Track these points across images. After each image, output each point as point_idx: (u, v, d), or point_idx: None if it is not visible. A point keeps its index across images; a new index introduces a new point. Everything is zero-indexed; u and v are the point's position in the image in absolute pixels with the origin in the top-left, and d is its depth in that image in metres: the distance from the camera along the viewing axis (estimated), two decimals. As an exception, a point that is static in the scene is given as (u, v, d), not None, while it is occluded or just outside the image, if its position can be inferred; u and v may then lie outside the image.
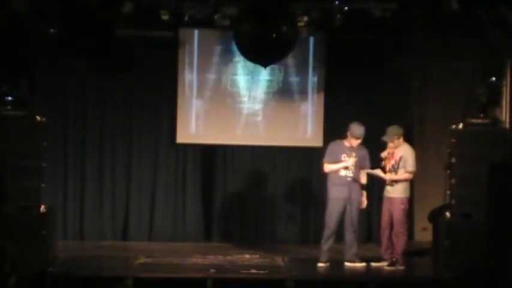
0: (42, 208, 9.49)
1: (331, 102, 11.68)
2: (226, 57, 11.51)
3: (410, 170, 9.71)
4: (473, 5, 9.65)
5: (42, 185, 9.59)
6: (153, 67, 11.48)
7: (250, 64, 11.06)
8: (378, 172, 9.78)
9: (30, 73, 10.30)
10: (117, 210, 11.58)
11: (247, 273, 9.23)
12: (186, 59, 11.53)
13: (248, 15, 9.28)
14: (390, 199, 9.74)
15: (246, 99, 11.62)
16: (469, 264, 9.04)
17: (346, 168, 9.63)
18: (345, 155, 9.67)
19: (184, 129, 11.56)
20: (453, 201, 9.69)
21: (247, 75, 11.58)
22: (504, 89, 10.11)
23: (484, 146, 9.58)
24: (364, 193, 9.80)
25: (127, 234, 11.57)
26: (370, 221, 11.44)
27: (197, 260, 10.07)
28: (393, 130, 9.74)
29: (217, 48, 11.54)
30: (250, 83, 11.61)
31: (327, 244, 9.68)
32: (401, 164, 9.70)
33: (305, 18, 10.29)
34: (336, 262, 9.74)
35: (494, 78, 10.05)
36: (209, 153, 11.75)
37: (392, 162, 9.76)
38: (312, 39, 11.46)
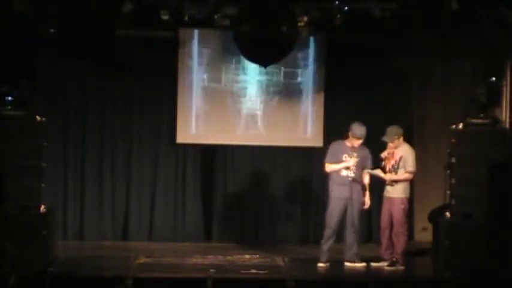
0: (42, 208, 9.49)
1: (331, 102, 11.68)
2: (226, 57, 11.51)
3: (410, 170, 9.72)
4: (473, 5, 9.65)
5: (42, 185, 9.60)
6: (153, 67, 11.48)
7: (250, 64, 11.07)
8: (378, 172, 9.78)
9: (30, 73, 10.30)
10: (117, 210, 11.58)
11: (247, 273, 9.23)
12: (186, 59, 11.53)
13: (248, 15, 9.28)
14: (390, 199, 9.75)
15: (246, 99, 11.62)
16: (469, 264, 9.04)
17: (348, 168, 9.64)
18: (346, 155, 9.67)
19: (184, 129, 11.56)
20: (453, 201, 9.69)
21: (247, 75, 11.57)
22: (504, 89, 10.11)
23: (484, 146, 9.58)
24: (367, 193, 9.80)
25: (127, 234, 11.57)
26: (370, 221, 11.43)
27: (197, 260, 10.07)
28: (393, 130, 9.74)
29: (217, 48, 11.53)
30: (250, 83, 11.61)
31: (327, 244, 9.68)
32: (401, 164, 9.71)
33: (305, 18, 10.28)
34: (336, 262, 9.74)
35: (494, 78, 10.05)
36: (209, 153, 11.75)
37: (392, 162, 9.76)
38: (312, 39, 11.45)
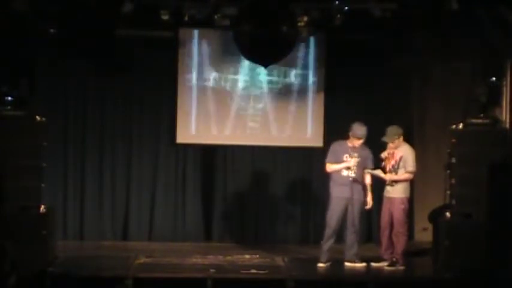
0: (42, 208, 9.49)
1: (331, 102, 11.68)
2: (226, 57, 11.51)
3: (411, 170, 9.71)
4: (473, 5, 9.65)
5: (42, 185, 9.60)
6: (153, 67, 11.48)
7: (250, 64, 11.07)
8: (378, 172, 9.78)
9: (30, 73, 10.30)
10: (117, 210, 11.58)
11: (247, 273, 9.23)
12: (186, 59, 11.53)
13: (248, 15, 9.28)
14: (390, 199, 9.75)
15: (246, 99, 11.62)
16: (469, 264, 9.04)
17: (348, 168, 9.64)
18: (347, 155, 9.67)
19: (184, 129, 11.56)
20: (453, 201, 9.69)
21: (247, 75, 11.57)
22: (504, 89, 10.10)
23: (484, 146, 9.58)
24: (370, 193, 9.80)
25: (127, 234, 11.57)
26: (370, 221, 11.42)
27: (197, 260, 10.07)
28: (393, 130, 9.74)
29: (217, 49, 11.53)
30: (250, 83, 11.61)
31: (327, 244, 9.68)
32: (401, 164, 9.71)
33: (305, 18, 10.28)
34: (336, 262, 9.74)
35: (494, 78, 10.05)
36: (209, 153, 11.75)
37: (393, 162, 9.76)
38: (312, 39, 11.45)
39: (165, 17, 10.31)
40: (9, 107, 9.58)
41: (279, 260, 10.15)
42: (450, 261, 9.37)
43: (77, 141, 11.50)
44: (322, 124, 11.63)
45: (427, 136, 11.68)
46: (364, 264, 9.76)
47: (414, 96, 11.89)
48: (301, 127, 11.70)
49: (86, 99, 11.53)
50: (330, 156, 9.79)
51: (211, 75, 11.57)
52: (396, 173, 9.73)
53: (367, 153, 9.75)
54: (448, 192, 9.88)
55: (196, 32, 11.50)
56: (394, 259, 9.70)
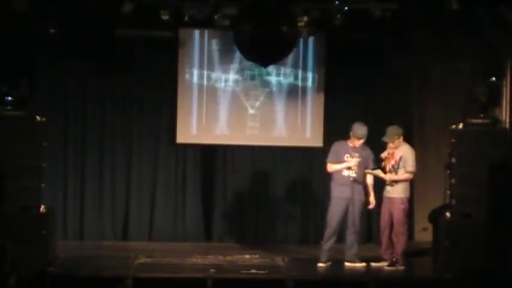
0: (42, 208, 9.49)
1: (331, 102, 11.67)
2: (226, 57, 11.51)
3: (411, 170, 9.71)
4: (473, 5, 9.65)
5: (42, 185, 9.59)
6: (153, 67, 11.48)
7: (250, 64, 11.07)
8: (378, 172, 9.78)
9: (30, 73, 10.30)
10: (117, 210, 11.58)
11: (247, 273, 9.23)
12: (186, 59, 11.53)
13: (248, 15, 9.28)
14: (390, 199, 9.74)
15: (246, 99, 11.62)
16: (469, 264, 9.04)
17: (349, 168, 9.64)
18: (348, 155, 9.67)
19: (184, 129, 11.56)
20: (453, 201, 9.69)
21: (247, 75, 11.57)
22: (504, 89, 10.10)
23: (484, 146, 9.57)
24: (372, 193, 9.80)
25: (127, 234, 11.57)
26: (370, 221, 11.42)
27: (197, 260, 10.07)
28: (393, 130, 9.74)
29: (217, 48, 11.54)
30: (250, 83, 11.61)
31: (327, 244, 9.68)
32: (401, 164, 9.70)
33: (305, 18, 10.28)
34: (336, 262, 9.74)
35: (494, 78, 10.04)
36: (209, 153, 11.75)
37: (393, 162, 9.76)
38: (312, 39, 11.45)
39: (165, 17, 10.31)
40: (9, 107, 9.58)
41: (279, 260, 10.15)
42: (450, 261, 9.37)
43: (77, 141, 11.50)
44: (322, 124, 11.63)
45: (427, 136, 11.68)
46: (364, 264, 9.76)
47: (414, 96, 11.89)
48: (301, 127, 11.70)
49: (86, 99, 11.53)
50: (331, 156, 9.79)
51: (211, 75, 11.57)
52: (396, 173, 9.73)
53: (368, 153, 9.75)
54: (448, 192, 9.87)
55: (196, 32, 11.50)
56: (394, 259, 9.70)
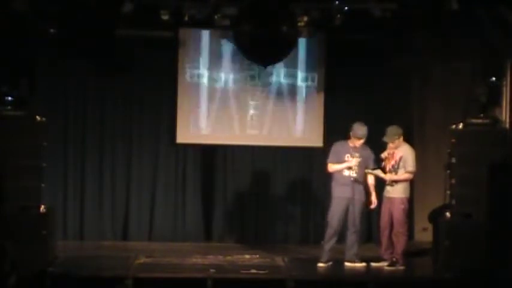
0: (42, 208, 9.48)
1: (331, 102, 11.67)
2: (226, 57, 11.51)
3: (411, 170, 9.71)
4: (473, 5, 9.65)
5: (42, 185, 9.59)
6: (153, 67, 11.48)
7: (250, 64, 11.06)
8: (378, 172, 9.78)
9: (30, 73, 10.29)
10: (117, 210, 11.58)
11: (247, 273, 9.23)
12: (186, 59, 11.53)
13: (248, 15, 9.29)
14: (390, 199, 9.75)
15: (246, 99, 11.61)
16: (469, 264, 9.04)
17: (350, 168, 9.64)
18: (348, 155, 9.68)
19: (184, 129, 11.56)
20: (453, 201, 9.69)
21: (248, 75, 11.56)
22: (504, 89, 10.10)
23: (484, 146, 9.57)
24: (373, 193, 9.80)
25: (127, 234, 11.57)
26: (370, 221, 11.42)
27: (197, 260, 10.07)
28: (393, 130, 9.74)
29: (217, 48, 11.53)
30: (250, 83, 11.61)
31: (328, 244, 9.68)
32: (401, 164, 9.71)
33: (305, 18, 10.28)
34: (336, 262, 9.74)
35: (494, 78, 10.04)
36: (209, 153, 11.75)
37: (393, 162, 9.76)
38: (312, 39, 11.44)
39: (165, 17, 10.31)
40: (9, 107, 9.58)
41: (279, 260, 10.15)
42: (450, 261, 9.37)
43: (77, 141, 11.50)
44: (322, 124, 11.63)
45: (427, 136, 11.68)
46: (364, 264, 9.76)
47: (414, 96, 11.89)
48: (301, 127, 11.70)
49: (86, 99, 11.53)
50: (331, 156, 9.79)
51: (212, 75, 11.56)
52: (396, 173, 9.73)
53: (369, 153, 9.75)
54: (448, 192, 9.87)
55: (196, 32, 11.50)
56: (394, 259, 9.70)
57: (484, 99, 9.90)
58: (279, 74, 11.59)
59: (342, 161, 9.70)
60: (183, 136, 11.56)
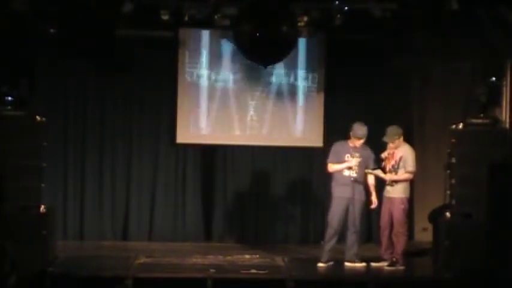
0: (42, 208, 9.48)
1: (331, 102, 11.68)
2: (226, 57, 11.51)
3: (411, 170, 9.72)
4: (473, 5, 9.65)
5: (42, 185, 9.59)
6: (153, 67, 11.48)
7: (250, 64, 11.05)
8: (378, 172, 9.78)
9: (30, 73, 10.30)
10: (117, 210, 11.58)
11: (247, 273, 9.23)
12: (186, 59, 11.53)
13: (248, 15, 9.29)
14: (390, 199, 9.75)
15: (246, 99, 11.61)
16: (469, 264, 9.04)
17: (350, 168, 9.64)
18: (348, 155, 9.68)
19: (184, 129, 11.56)
20: (453, 201, 9.69)
21: (248, 75, 11.56)
22: (504, 89, 10.10)
23: (484, 146, 9.57)
24: (374, 193, 9.80)
25: (127, 234, 11.57)
26: (370, 221, 11.43)
27: (197, 260, 10.07)
28: (393, 130, 9.74)
29: (217, 48, 11.53)
30: (250, 83, 11.61)
31: (329, 244, 9.68)
32: (401, 164, 9.71)
33: (305, 18, 10.29)
34: (336, 262, 9.74)
35: (494, 78, 10.04)
36: (209, 153, 11.75)
37: (393, 162, 9.76)
38: (312, 39, 11.44)
39: (165, 17, 10.32)
40: (9, 107, 9.58)
41: (279, 260, 10.15)
42: (450, 261, 9.37)
43: (77, 141, 11.50)
44: (322, 124, 11.63)
45: (427, 136, 11.68)
46: (364, 264, 9.77)
47: (414, 96, 11.89)
48: (301, 127, 11.70)
49: (86, 99, 11.53)
50: (331, 156, 9.79)
51: (212, 75, 11.57)
52: (396, 173, 9.73)
53: (369, 153, 9.76)
54: (448, 192, 9.87)
55: (196, 32, 11.50)
56: (394, 259, 9.70)
57: (484, 99, 9.90)
58: (279, 74, 11.60)
59: (342, 161, 9.70)
60: (183, 136, 11.56)
